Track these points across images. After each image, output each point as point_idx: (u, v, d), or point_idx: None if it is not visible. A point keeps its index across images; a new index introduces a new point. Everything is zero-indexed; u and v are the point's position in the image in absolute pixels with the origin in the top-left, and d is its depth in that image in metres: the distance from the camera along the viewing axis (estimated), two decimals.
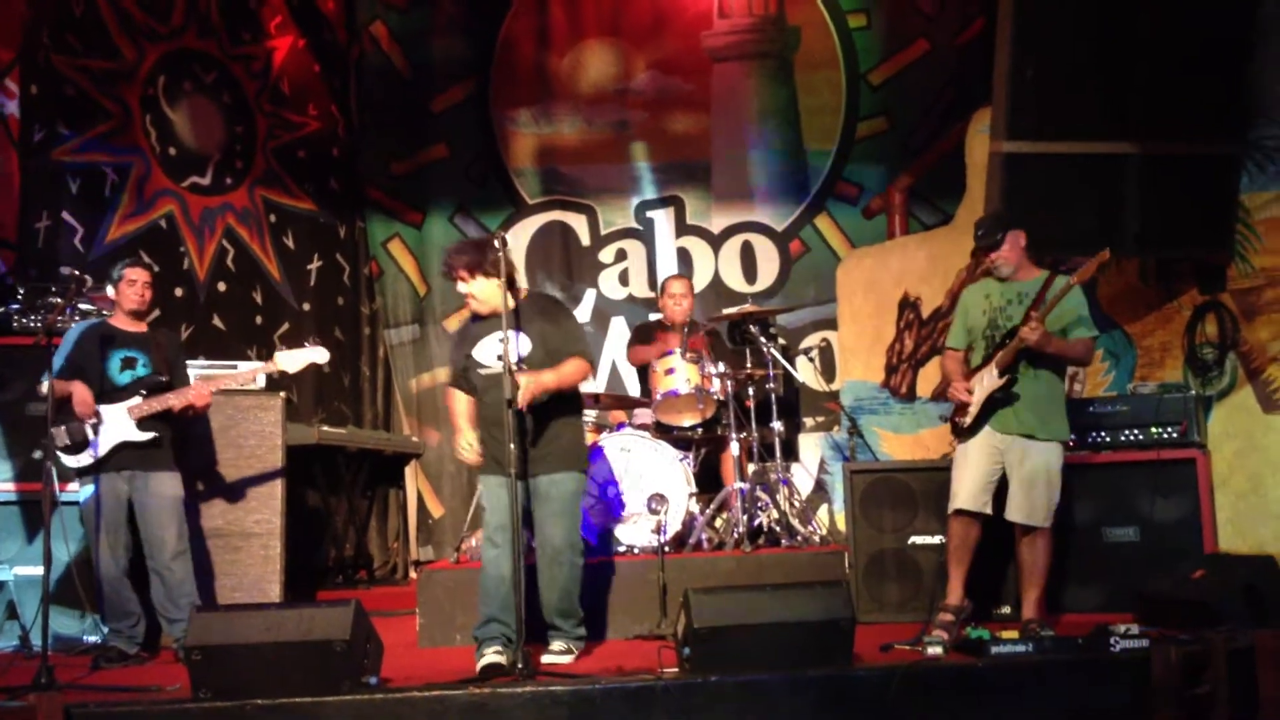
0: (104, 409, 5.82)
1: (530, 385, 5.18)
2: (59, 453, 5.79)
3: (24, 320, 6.49)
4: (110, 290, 6.05)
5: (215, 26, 8.27)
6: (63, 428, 5.78)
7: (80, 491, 5.91)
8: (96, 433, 5.80)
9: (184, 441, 6.15)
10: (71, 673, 5.24)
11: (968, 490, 5.53)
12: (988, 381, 5.49)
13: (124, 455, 5.84)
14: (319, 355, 6.03)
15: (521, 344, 5.41)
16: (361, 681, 4.64)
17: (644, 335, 7.74)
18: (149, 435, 5.83)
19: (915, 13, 9.14)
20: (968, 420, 5.57)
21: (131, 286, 6.00)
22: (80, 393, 5.77)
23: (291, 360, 5.99)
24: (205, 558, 6.45)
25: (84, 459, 5.81)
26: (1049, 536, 5.53)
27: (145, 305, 6.08)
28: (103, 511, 5.82)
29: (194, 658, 4.61)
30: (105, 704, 4.66)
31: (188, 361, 6.39)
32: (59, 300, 6.27)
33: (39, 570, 5.45)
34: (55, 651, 5.33)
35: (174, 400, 5.85)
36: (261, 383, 6.50)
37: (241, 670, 4.59)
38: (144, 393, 5.87)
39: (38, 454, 6.32)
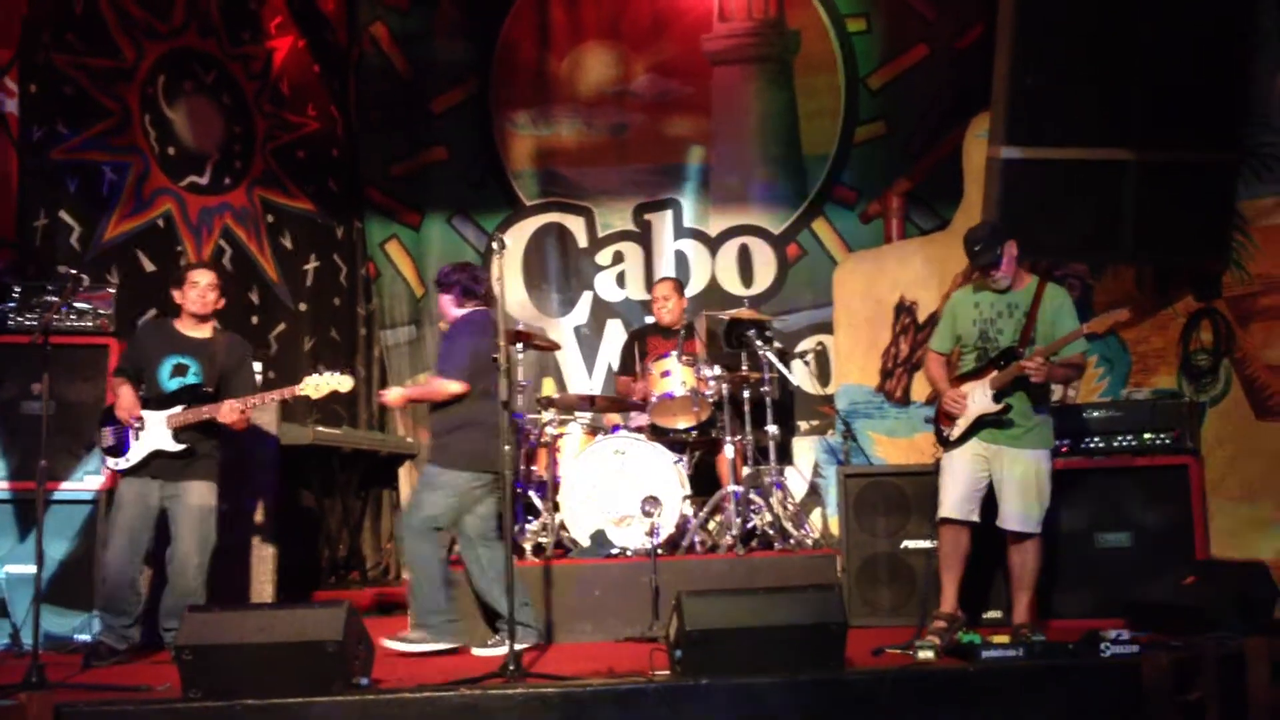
0: (147, 414, 5.80)
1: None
2: (102, 453, 5.86)
3: (20, 319, 6.49)
4: (176, 296, 5.99)
5: (215, 26, 8.27)
6: (108, 429, 5.81)
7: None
8: (137, 437, 5.80)
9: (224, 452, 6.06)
10: (62, 672, 5.23)
11: (955, 499, 5.55)
12: (981, 401, 5.50)
13: (159, 463, 5.81)
14: (343, 383, 5.91)
15: None
16: (353, 682, 4.64)
17: (632, 353, 7.76)
18: (182, 446, 5.79)
19: (915, 18, 9.14)
20: (955, 434, 5.58)
21: (194, 289, 5.94)
22: (125, 398, 5.78)
23: (317, 387, 5.86)
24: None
25: (121, 462, 5.82)
26: (1039, 542, 5.54)
27: (210, 309, 5.99)
28: (126, 512, 5.79)
29: (185, 657, 4.61)
30: (95, 703, 4.65)
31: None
32: (56, 299, 6.27)
33: (31, 568, 5.46)
34: (46, 650, 5.31)
35: (206, 414, 5.77)
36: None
37: (232, 670, 4.59)
38: (186, 403, 5.82)
39: (84, 451, 6.36)
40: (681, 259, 9.26)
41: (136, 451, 5.79)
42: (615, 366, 8.66)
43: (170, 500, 5.83)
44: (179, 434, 5.79)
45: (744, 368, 7.24)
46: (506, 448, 5.14)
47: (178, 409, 5.80)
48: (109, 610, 5.82)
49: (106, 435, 5.83)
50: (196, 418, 5.78)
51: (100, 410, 6.00)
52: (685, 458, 7.07)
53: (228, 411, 5.75)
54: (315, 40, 9.11)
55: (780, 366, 7.43)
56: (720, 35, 9.32)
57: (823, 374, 8.75)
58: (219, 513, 5.97)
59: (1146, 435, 6.31)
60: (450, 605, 5.85)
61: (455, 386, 5.83)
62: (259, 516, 6.65)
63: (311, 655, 4.58)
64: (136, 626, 5.89)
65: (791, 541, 6.77)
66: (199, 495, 5.86)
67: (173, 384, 5.89)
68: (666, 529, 6.54)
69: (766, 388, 7.18)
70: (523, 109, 9.42)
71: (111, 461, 5.85)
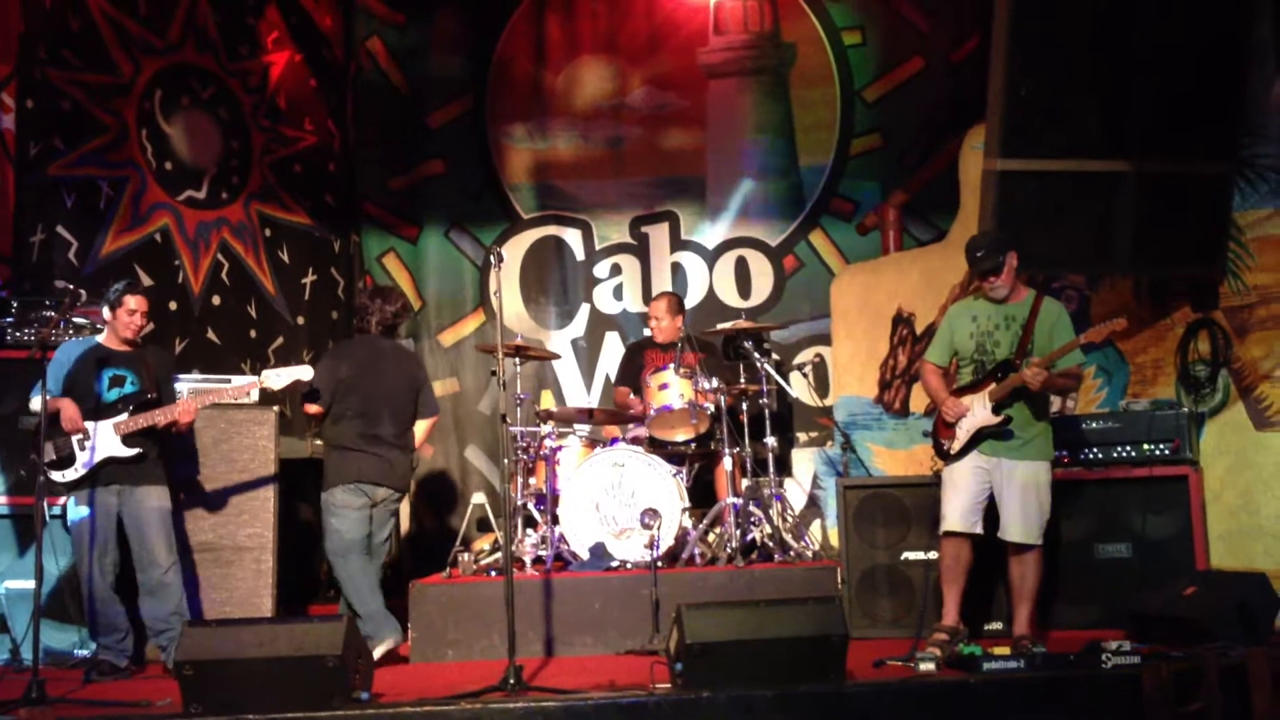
0: (91, 425, 5.89)
1: None
2: (47, 468, 5.79)
3: (18, 334, 6.50)
4: (106, 313, 6.08)
5: (213, 41, 8.27)
6: (50, 443, 5.82)
7: (71, 509, 5.95)
8: (83, 448, 5.86)
9: (168, 456, 6.20)
10: (62, 687, 5.23)
11: (957, 512, 5.55)
12: (980, 414, 5.52)
13: (111, 470, 5.91)
14: (304, 373, 6.14)
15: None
16: (353, 696, 4.64)
17: (629, 368, 7.77)
18: (133, 451, 5.91)
19: (910, 30, 9.15)
20: (956, 447, 5.59)
21: (131, 316, 6.08)
22: (68, 410, 5.85)
23: (278, 378, 6.07)
24: (193, 572, 6.46)
25: (70, 474, 5.87)
26: (1040, 553, 5.55)
27: (139, 335, 6.16)
28: (95, 529, 5.87)
29: (185, 672, 4.61)
30: (96, 719, 4.65)
31: (182, 375, 6.45)
32: (53, 314, 6.28)
33: (30, 584, 5.45)
34: (46, 666, 5.31)
35: (159, 417, 5.93)
36: (255, 397, 6.50)
37: (233, 685, 4.59)
38: (130, 409, 5.93)
39: (24, 472, 6.38)
40: (679, 271, 9.27)
41: (86, 461, 5.87)
42: (613, 379, 8.66)
43: (128, 506, 5.93)
44: (128, 439, 5.90)
45: (742, 380, 7.25)
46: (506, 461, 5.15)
47: (123, 416, 5.91)
48: (101, 631, 5.88)
49: (49, 450, 5.82)
50: (148, 421, 5.92)
51: (32, 430, 5.89)
52: (684, 470, 7.07)
53: (186, 409, 5.94)
54: (312, 55, 9.11)
55: (778, 378, 7.43)
56: (716, 49, 9.33)
57: (821, 386, 8.75)
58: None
59: (1145, 446, 6.32)
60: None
61: (311, 409, 6.32)
62: (257, 530, 6.63)
63: (312, 670, 4.58)
64: (129, 637, 5.92)
65: (791, 553, 6.77)
66: (157, 497, 6.01)
67: (112, 394, 6.01)
68: (666, 541, 6.54)
69: (765, 400, 7.19)
70: (519, 123, 9.43)
71: (59, 475, 5.86)
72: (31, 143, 7.07)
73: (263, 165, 8.62)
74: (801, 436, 8.85)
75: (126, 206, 7.56)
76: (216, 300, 8.12)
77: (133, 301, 6.08)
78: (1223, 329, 7.21)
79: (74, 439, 5.85)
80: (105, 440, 5.90)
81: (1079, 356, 5.59)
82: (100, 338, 6.17)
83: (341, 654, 4.59)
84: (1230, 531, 6.84)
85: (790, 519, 7.27)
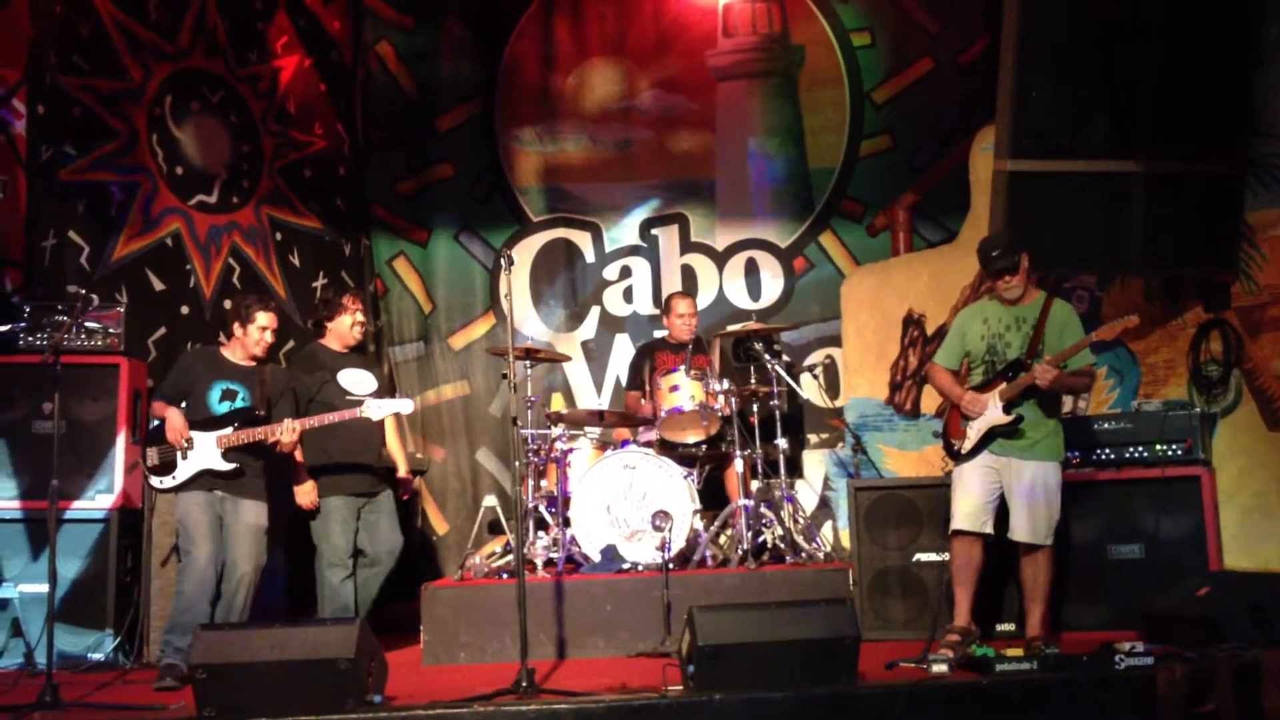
0: (195, 435, 5.91)
1: None
2: (147, 472, 5.94)
3: (31, 339, 6.52)
4: (236, 328, 6.16)
5: (222, 46, 8.30)
6: (154, 449, 5.92)
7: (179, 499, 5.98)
8: (185, 457, 5.89)
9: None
10: (76, 691, 5.24)
11: (966, 511, 5.55)
12: (991, 415, 5.51)
13: (209, 481, 5.92)
14: (404, 406, 6.19)
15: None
16: (366, 700, 4.65)
17: (640, 368, 7.76)
18: (231, 466, 5.91)
19: (919, 31, 9.16)
20: (967, 447, 5.58)
21: (262, 333, 6.13)
22: (174, 420, 5.89)
23: (379, 409, 6.09)
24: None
25: (167, 481, 5.92)
26: (1051, 554, 5.54)
27: (266, 352, 6.21)
28: (200, 518, 5.88)
29: (199, 676, 4.62)
30: None
31: None
32: (66, 319, 6.28)
33: (44, 588, 5.46)
34: (60, 669, 5.32)
35: (262, 434, 5.92)
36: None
37: (246, 689, 4.60)
38: (236, 425, 5.95)
39: (136, 466, 6.41)
40: (689, 273, 9.27)
41: (184, 470, 5.89)
42: (624, 381, 8.67)
43: (227, 516, 5.95)
44: (228, 454, 5.90)
45: (753, 382, 7.24)
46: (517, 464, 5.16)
47: (228, 430, 5.92)
48: (183, 630, 5.66)
49: (152, 455, 5.93)
50: (251, 438, 5.92)
51: (147, 431, 6.15)
52: (695, 472, 7.07)
53: (287, 430, 5.91)
54: (321, 59, 9.13)
55: (789, 380, 7.43)
56: (725, 51, 9.34)
57: (831, 387, 8.75)
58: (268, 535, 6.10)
59: (1158, 446, 6.30)
60: None
61: None
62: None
63: (324, 673, 4.59)
64: None
65: (803, 555, 6.77)
66: (254, 514, 6.01)
67: (222, 407, 6.03)
68: (677, 544, 6.54)
69: (775, 401, 7.19)
70: (528, 126, 9.45)
71: (156, 480, 5.94)
72: (43, 148, 7.09)
73: (273, 169, 8.64)
74: (812, 438, 8.84)
75: (137, 211, 7.59)
76: (228, 304, 8.10)
77: (264, 318, 6.14)
78: (1235, 329, 7.19)
79: (177, 450, 5.89)
80: (206, 452, 5.91)
81: (1090, 356, 5.58)
82: (225, 349, 6.25)
83: (354, 657, 4.60)
84: (1243, 532, 6.81)
85: (801, 521, 7.27)
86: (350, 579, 6.42)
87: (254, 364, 6.17)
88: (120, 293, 7.30)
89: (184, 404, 6.01)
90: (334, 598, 6.35)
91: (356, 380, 6.64)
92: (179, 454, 5.89)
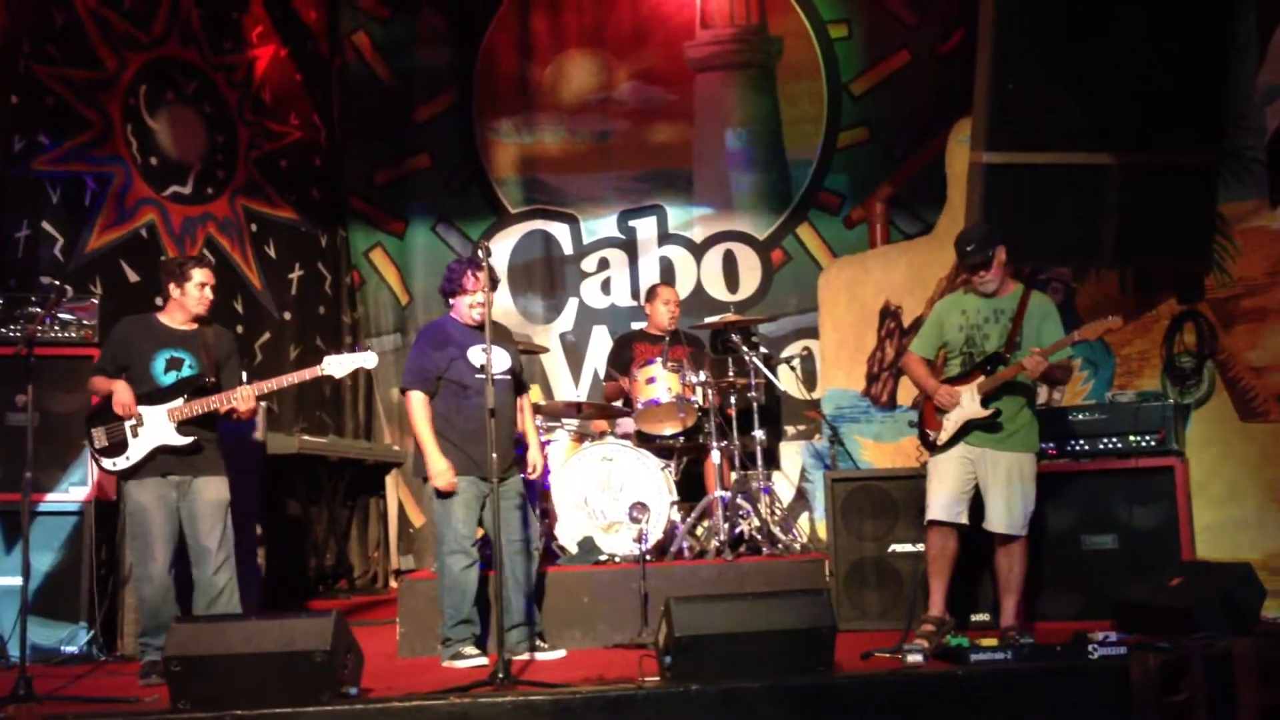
0: (145, 410, 5.53)
1: None
2: (96, 454, 5.60)
3: (4, 330, 6.46)
4: (172, 289, 5.71)
5: (197, 36, 8.26)
6: (101, 429, 5.56)
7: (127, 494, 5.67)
8: (135, 434, 5.54)
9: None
10: (50, 684, 5.21)
11: (942, 502, 5.56)
12: (969, 407, 5.52)
13: (168, 461, 5.57)
14: (368, 360, 5.79)
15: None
16: (341, 692, 4.63)
17: (620, 357, 7.74)
18: (188, 440, 5.55)
19: (896, 23, 9.19)
20: (943, 438, 5.60)
21: (201, 290, 5.69)
22: (121, 393, 5.51)
23: (339, 365, 5.73)
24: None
25: (120, 462, 5.55)
26: (1025, 544, 5.57)
27: (208, 309, 5.79)
28: (154, 517, 5.53)
29: (173, 668, 4.60)
30: (84, 715, 4.64)
31: None
32: (39, 310, 6.22)
33: (17, 580, 5.42)
34: (34, 662, 5.29)
35: (216, 403, 5.56)
36: None
37: (221, 681, 4.57)
38: (187, 395, 5.58)
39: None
40: (667, 265, 9.27)
41: (138, 449, 5.53)
42: (601, 373, 8.66)
43: (185, 499, 5.59)
44: (182, 427, 5.55)
45: (730, 373, 7.25)
46: (494, 455, 5.15)
47: (178, 402, 5.56)
48: (156, 631, 5.44)
49: (100, 436, 5.55)
50: (205, 408, 5.55)
51: (86, 414, 5.76)
52: (672, 464, 7.07)
53: (245, 397, 5.56)
54: (297, 49, 9.10)
55: (766, 372, 7.44)
56: (703, 42, 9.35)
57: (809, 379, 8.77)
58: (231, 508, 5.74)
59: (1131, 437, 6.32)
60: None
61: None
62: (245, 525, 6.61)
63: (299, 665, 4.57)
64: None
65: (779, 546, 6.78)
66: (215, 490, 5.63)
67: (168, 378, 5.64)
68: (654, 535, 6.54)
69: (753, 393, 7.19)
70: (506, 117, 9.45)
71: (109, 463, 5.56)
72: (16, 138, 7.05)
73: (248, 160, 8.61)
74: (789, 430, 8.87)
75: (112, 202, 7.55)
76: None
77: (200, 274, 5.70)
78: (1208, 320, 7.24)
79: (126, 425, 5.52)
80: (158, 427, 5.51)
81: (1070, 350, 5.61)
82: (162, 315, 5.78)
83: (329, 649, 4.58)
84: (1216, 522, 6.87)
85: (778, 512, 7.27)
86: (473, 567, 5.86)
87: (195, 327, 5.77)
88: (95, 284, 7.26)
89: (125, 378, 5.57)
90: (454, 588, 5.78)
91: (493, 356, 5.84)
92: (129, 432, 5.51)
